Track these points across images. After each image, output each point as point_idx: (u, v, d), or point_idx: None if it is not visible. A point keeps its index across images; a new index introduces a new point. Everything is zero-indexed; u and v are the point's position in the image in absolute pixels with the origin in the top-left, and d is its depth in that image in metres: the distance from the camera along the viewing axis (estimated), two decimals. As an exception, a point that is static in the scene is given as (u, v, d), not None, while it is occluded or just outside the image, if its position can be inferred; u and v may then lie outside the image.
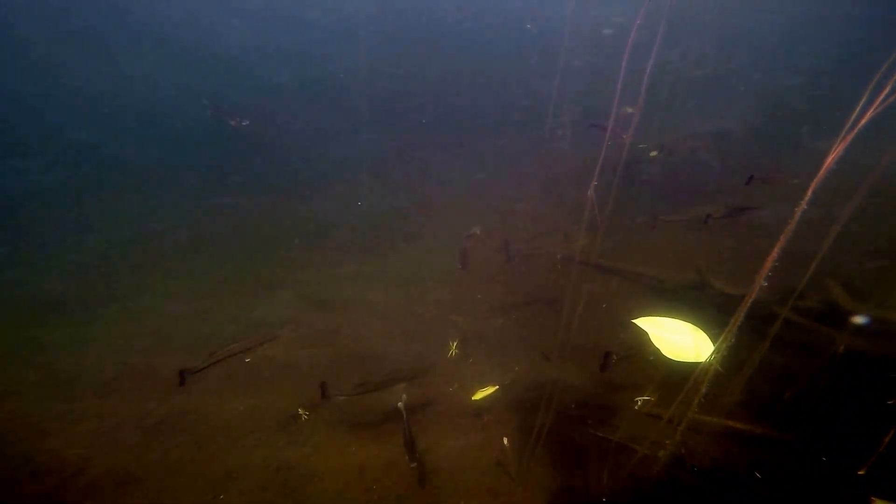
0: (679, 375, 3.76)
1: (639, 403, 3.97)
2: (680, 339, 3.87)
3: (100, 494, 4.19)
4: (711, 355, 3.54)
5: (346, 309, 7.19)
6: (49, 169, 13.48)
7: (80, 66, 18.16)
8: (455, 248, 7.85)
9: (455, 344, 5.47)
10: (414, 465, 4.17)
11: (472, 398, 4.86)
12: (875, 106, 2.26)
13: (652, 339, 3.89)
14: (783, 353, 4.86)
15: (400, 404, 4.54)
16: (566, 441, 4.41)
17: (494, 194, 11.43)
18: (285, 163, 14.31)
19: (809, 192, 2.48)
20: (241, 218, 11.15)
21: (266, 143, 14.89)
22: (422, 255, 9.03)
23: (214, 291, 7.96)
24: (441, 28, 20.29)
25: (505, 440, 4.53)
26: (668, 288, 6.81)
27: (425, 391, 5.24)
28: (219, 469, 4.40)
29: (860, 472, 3.51)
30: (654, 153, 9.56)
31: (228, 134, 13.35)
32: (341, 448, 4.62)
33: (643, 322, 4.02)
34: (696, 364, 3.61)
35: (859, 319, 5.16)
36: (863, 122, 2.29)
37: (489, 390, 4.92)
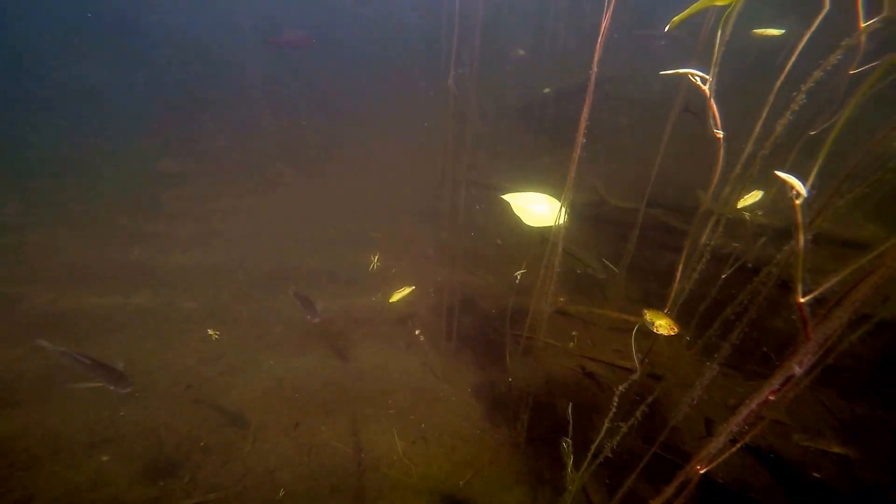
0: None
1: (518, 278, 4.12)
2: (537, 208, 3.89)
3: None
4: (557, 218, 3.63)
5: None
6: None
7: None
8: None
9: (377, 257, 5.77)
10: (317, 320, 4.52)
11: (390, 300, 5.23)
12: None
13: (514, 210, 3.94)
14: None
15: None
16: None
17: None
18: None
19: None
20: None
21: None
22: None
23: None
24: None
25: (417, 332, 4.93)
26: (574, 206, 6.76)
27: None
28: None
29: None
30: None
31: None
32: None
33: (508, 196, 4.05)
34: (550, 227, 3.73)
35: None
36: None
37: (405, 291, 5.24)
